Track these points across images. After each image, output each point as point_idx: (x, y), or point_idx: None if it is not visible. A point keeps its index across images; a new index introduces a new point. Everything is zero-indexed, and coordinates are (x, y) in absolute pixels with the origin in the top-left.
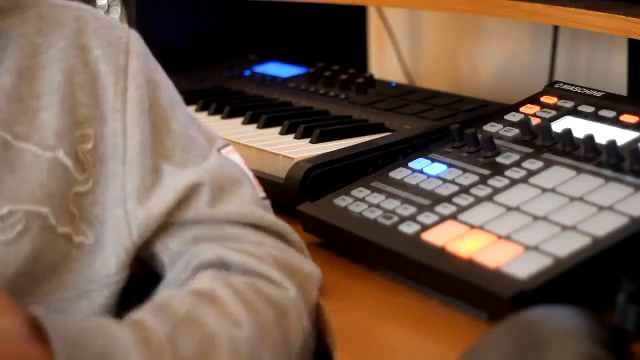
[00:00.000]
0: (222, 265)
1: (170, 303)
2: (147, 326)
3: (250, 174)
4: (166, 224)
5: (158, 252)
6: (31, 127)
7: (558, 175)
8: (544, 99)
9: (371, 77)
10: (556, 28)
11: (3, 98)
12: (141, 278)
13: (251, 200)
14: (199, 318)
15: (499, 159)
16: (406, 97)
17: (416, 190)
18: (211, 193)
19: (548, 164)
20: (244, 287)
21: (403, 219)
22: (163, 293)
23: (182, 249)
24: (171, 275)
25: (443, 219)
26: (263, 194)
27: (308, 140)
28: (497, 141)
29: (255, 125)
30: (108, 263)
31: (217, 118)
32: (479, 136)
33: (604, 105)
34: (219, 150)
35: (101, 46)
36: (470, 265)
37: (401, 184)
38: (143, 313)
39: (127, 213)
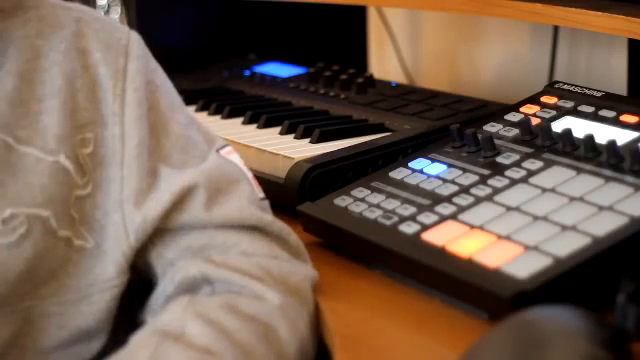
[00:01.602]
0: (205, 281)
1: (133, 351)
2: None
3: (249, 174)
4: (162, 230)
5: (152, 261)
6: (33, 131)
7: (558, 175)
8: (544, 99)
9: (371, 77)
10: (556, 28)
11: (5, 101)
12: (141, 282)
13: (249, 200)
14: None
15: (499, 159)
16: (406, 97)
17: (416, 190)
18: (207, 194)
19: (548, 164)
20: (219, 311)
21: (403, 219)
22: (133, 337)
23: (174, 259)
24: (160, 288)
25: (443, 219)
26: (262, 194)
27: (308, 140)
28: (497, 141)
29: (255, 125)
30: (108, 267)
31: (217, 118)
32: (479, 136)
33: (604, 105)
34: (218, 151)
35: (101, 49)
36: (470, 265)
37: (401, 184)
38: None
39: (124, 217)
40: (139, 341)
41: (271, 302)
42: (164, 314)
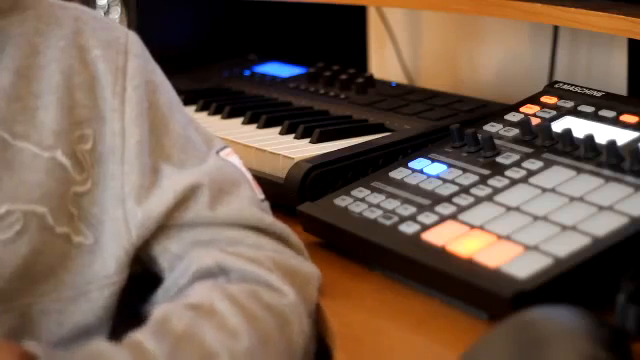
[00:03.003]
0: (221, 271)
1: (168, 319)
2: (146, 348)
3: (249, 176)
4: (165, 227)
5: (157, 255)
6: (30, 126)
7: (558, 175)
8: (544, 99)
9: (371, 77)
10: (556, 28)
11: (2, 97)
12: (141, 278)
13: (250, 202)
14: (198, 335)
15: (499, 159)
16: (406, 97)
17: (416, 190)
18: (210, 195)
19: (548, 164)
20: (244, 296)
21: (403, 219)
22: (162, 307)
23: (181, 252)
24: (170, 280)
25: (443, 219)
26: (262, 196)
27: (308, 140)
28: (497, 141)
29: (255, 125)
30: (107, 263)
31: (217, 118)
32: (479, 136)
33: (604, 105)
34: (218, 152)
35: (100, 46)
36: (470, 265)
37: (401, 184)
38: (142, 334)
39: (126, 213)
40: (171, 312)
41: (287, 296)
42: (191, 293)
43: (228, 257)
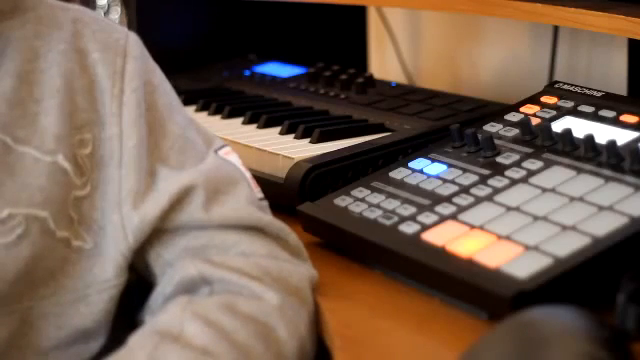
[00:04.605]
0: (203, 281)
1: (131, 350)
2: None
3: (248, 175)
4: (160, 231)
5: (151, 261)
6: (31, 131)
7: (558, 175)
8: (544, 99)
9: (371, 77)
10: (556, 28)
11: (3, 102)
12: (140, 283)
13: (247, 201)
14: None
15: (499, 159)
16: (406, 97)
17: (416, 190)
18: (205, 195)
19: (548, 164)
20: (218, 312)
21: (403, 219)
22: (132, 336)
23: (172, 259)
24: (159, 288)
25: (443, 219)
26: (261, 195)
27: (308, 140)
28: (497, 141)
29: (255, 125)
30: (106, 268)
31: (217, 118)
32: (479, 136)
33: (604, 105)
34: (216, 151)
35: (99, 49)
36: (470, 265)
37: (401, 184)
38: None
39: (123, 218)
40: (137, 341)
41: (269, 302)
42: (162, 314)
43: (212, 267)
